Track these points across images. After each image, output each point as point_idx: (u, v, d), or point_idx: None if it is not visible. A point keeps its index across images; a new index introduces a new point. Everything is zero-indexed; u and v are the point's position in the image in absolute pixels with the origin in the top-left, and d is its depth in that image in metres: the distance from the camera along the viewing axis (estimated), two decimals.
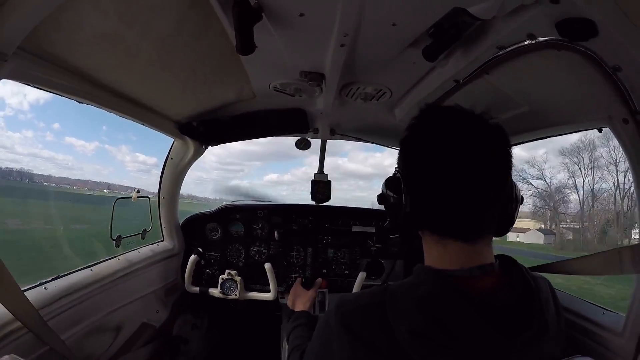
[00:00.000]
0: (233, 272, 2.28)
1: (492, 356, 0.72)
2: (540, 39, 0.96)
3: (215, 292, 2.27)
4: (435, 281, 0.77)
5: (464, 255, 0.80)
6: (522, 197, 0.90)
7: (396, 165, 0.89)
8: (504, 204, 0.85)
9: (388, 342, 0.73)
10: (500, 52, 1.07)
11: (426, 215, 0.83)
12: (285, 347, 1.31)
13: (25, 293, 1.22)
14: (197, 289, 2.28)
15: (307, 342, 1.18)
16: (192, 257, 2.25)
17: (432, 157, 0.80)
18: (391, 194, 0.88)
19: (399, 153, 0.88)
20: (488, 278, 0.80)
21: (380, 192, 0.93)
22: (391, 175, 0.90)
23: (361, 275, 2.19)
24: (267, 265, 2.24)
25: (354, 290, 2.19)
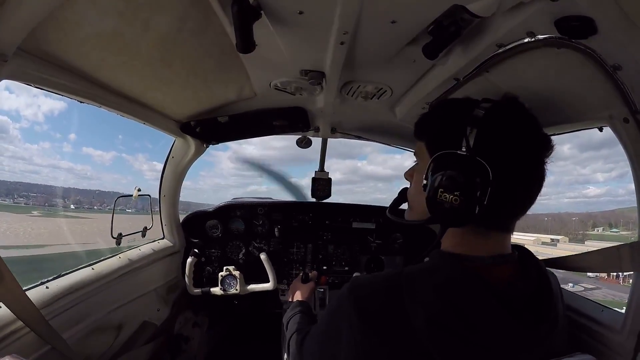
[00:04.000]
0: (231, 267, 2.29)
1: (513, 347, 0.72)
2: (540, 36, 0.96)
3: (216, 290, 2.29)
4: (455, 267, 0.76)
5: (496, 244, 0.81)
6: None
7: (465, 146, 0.77)
8: None
9: (403, 328, 0.72)
10: (500, 50, 1.07)
11: (498, 208, 0.77)
12: (284, 335, 1.30)
13: (26, 292, 1.23)
14: (199, 290, 2.30)
15: (307, 327, 1.17)
16: (189, 259, 2.27)
17: (526, 154, 0.78)
18: (469, 178, 0.74)
19: (460, 132, 0.78)
20: (506, 267, 0.80)
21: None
22: (453, 153, 0.77)
23: (355, 275, 2.19)
24: (262, 256, 2.29)
25: None
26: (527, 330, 0.72)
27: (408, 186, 1.01)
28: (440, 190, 0.76)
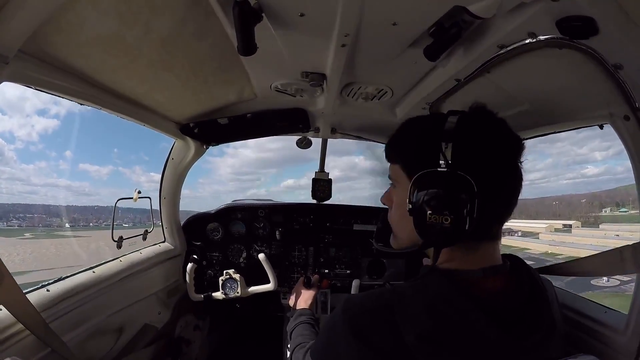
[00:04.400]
0: (231, 270, 2.28)
1: (502, 359, 0.72)
2: (541, 37, 0.96)
3: (218, 295, 2.27)
4: (444, 283, 0.76)
5: (486, 255, 0.81)
6: None
7: (444, 162, 0.75)
8: None
9: (396, 346, 0.72)
10: (501, 51, 1.07)
11: (486, 218, 0.76)
12: (288, 344, 1.31)
13: (27, 295, 1.22)
14: (201, 296, 2.28)
15: (309, 340, 1.19)
16: (189, 265, 2.26)
17: (499, 162, 0.78)
18: (458, 197, 0.73)
19: (436, 148, 0.76)
20: (498, 278, 0.80)
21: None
22: (434, 172, 0.75)
23: (355, 283, 2.18)
24: (261, 256, 2.27)
25: None
26: (518, 341, 0.72)
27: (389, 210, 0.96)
28: (429, 212, 0.74)
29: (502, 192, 0.79)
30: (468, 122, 0.80)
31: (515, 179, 0.80)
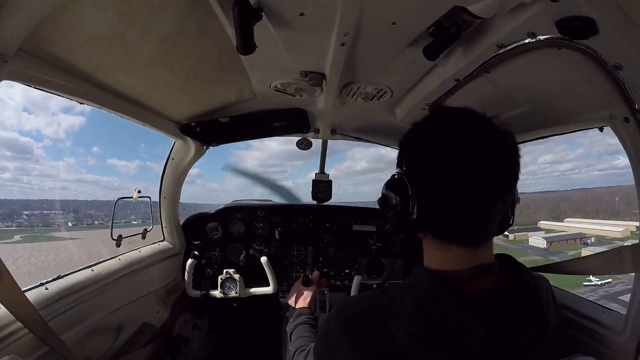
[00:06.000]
0: (231, 270, 2.28)
1: (491, 358, 0.72)
2: (541, 37, 0.96)
3: (216, 293, 2.27)
4: (433, 283, 0.77)
5: (466, 258, 0.80)
6: (519, 198, 0.88)
7: (398, 168, 0.85)
8: (508, 208, 0.84)
9: (388, 345, 0.74)
10: (501, 51, 1.07)
11: (432, 221, 0.80)
12: (287, 345, 1.31)
13: (25, 293, 1.22)
14: (198, 292, 2.28)
15: (309, 343, 1.19)
16: (189, 261, 2.26)
17: (444, 163, 0.75)
18: (395, 197, 0.83)
19: (403, 154, 0.85)
20: (487, 278, 0.80)
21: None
22: (393, 176, 0.86)
23: (356, 279, 2.15)
24: (263, 259, 2.26)
25: (352, 293, 2.18)
26: (506, 340, 0.72)
27: None
28: (381, 207, 0.90)
29: (442, 195, 0.76)
30: (418, 128, 0.84)
31: (459, 183, 0.75)
